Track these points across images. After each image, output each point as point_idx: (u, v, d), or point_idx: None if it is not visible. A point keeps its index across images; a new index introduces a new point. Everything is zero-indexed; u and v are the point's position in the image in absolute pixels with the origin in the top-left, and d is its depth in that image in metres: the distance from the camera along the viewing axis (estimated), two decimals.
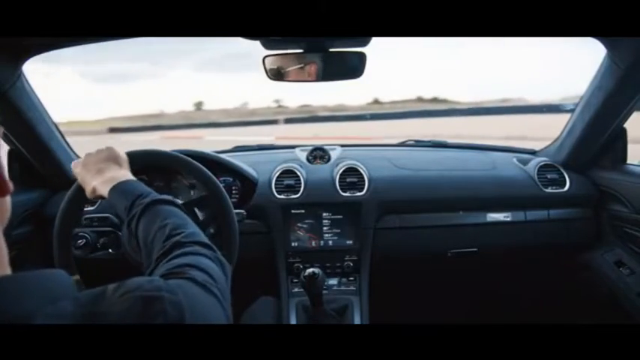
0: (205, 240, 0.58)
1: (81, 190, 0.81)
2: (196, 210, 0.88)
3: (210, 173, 0.88)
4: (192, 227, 0.61)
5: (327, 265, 1.21)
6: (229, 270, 0.56)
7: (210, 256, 0.54)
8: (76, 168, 0.80)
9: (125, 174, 0.75)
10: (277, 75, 1.01)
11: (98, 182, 0.74)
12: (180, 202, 0.69)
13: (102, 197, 0.75)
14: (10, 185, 0.38)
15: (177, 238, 0.56)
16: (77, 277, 0.82)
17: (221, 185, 0.89)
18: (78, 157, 1.30)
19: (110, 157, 0.79)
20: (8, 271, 0.37)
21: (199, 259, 0.52)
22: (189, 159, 0.89)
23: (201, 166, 0.89)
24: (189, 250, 0.54)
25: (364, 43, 0.94)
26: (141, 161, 0.87)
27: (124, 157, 0.81)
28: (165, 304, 0.37)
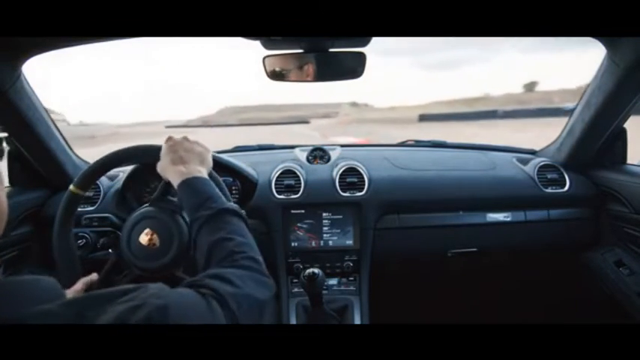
0: (258, 257, 0.61)
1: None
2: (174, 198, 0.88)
3: (148, 146, 0.87)
4: (252, 246, 0.63)
5: (327, 265, 1.21)
6: (272, 288, 0.60)
7: (254, 272, 0.57)
8: (168, 141, 0.80)
9: (202, 171, 0.75)
10: (277, 75, 1.01)
11: (174, 169, 0.74)
12: (244, 213, 0.70)
13: (166, 181, 0.77)
14: None
15: (239, 258, 0.58)
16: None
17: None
18: (78, 157, 1.30)
19: (200, 153, 0.79)
20: None
21: (240, 273, 0.55)
22: (124, 148, 0.89)
23: (136, 146, 0.88)
24: (240, 264, 0.57)
25: (364, 43, 0.94)
26: (91, 180, 0.87)
27: (210, 161, 0.81)
28: (151, 310, 0.38)
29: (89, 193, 1.14)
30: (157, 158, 0.81)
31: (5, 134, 0.42)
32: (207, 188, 0.71)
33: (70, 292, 0.77)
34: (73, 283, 0.80)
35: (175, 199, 0.86)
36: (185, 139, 0.81)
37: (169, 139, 0.81)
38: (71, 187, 0.84)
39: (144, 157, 0.87)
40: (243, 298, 0.51)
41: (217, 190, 0.72)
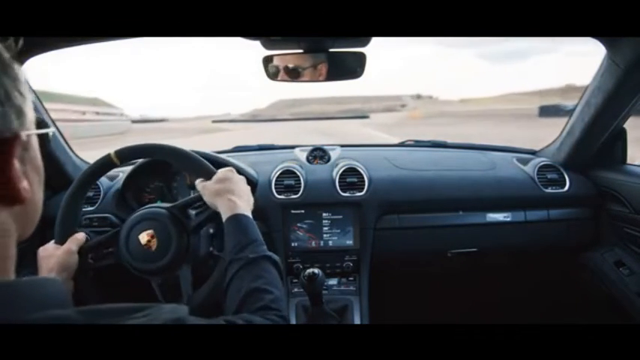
0: (285, 314, 0.63)
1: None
2: (193, 211, 0.87)
3: (206, 163, 0.87)
4: (284, 302, 0.65)
5: (327, 265, 1.21)
6: None
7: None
8: (229, 172, 0.82)
9: (249, 212, 0.77)
10: (278, 75, 1.01)
11: (231, 198, 0.76)
12: (277, 259, 0.71)
13: (214, 208, 0.79)
14: (29, 193, 0.37)
15: (272, 313, 0.60)
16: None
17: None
18: (78, 157, 1.30)
19: (250, 201, 0.82)
20: (12, 275, 0.37)
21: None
22: (180, 148, 0.88)
23: (195, 155, 0.88)
24: (272, 319, 0.59)
25: (364, 43, 0.94)
26: (131, 156, 0.88)
27: (252, 205, 0.83)
28: (165, 322, 0.37)
29: (89, 193, 1.14)
30: (203, 177, 0.83)
31: (53, 129, 0.42)
32: (255, 230, 0.73)
33: (60, 251, 0.79)
34: (64, 241, 0.81)
35: (193, 215, 0.85)
36: (243, 180, 0.83)
37: (231, 170, 0.83)
38: (112, 152, 0.86)
39: (192, 169, 0.87)
40: None
41: (260, 235, 0.73)
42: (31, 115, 0.39)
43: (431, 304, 1.57)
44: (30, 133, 0.39)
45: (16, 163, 0.36)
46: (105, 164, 0.86)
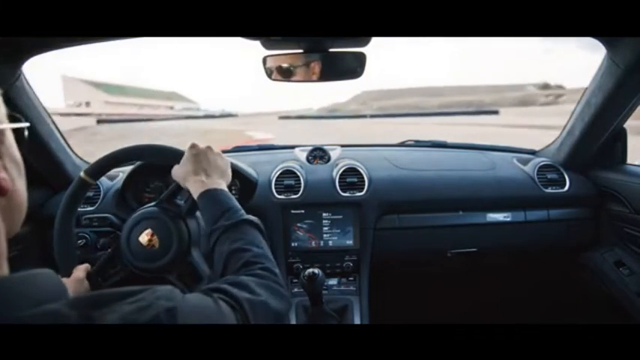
0: (275, 268, 0.62)
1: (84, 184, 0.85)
2: (181, 200, 0.88)
3: (169, 148, 0.87)
4: (269, 257, 0.64)
5: (327, 265, 1.21)
6: (288, 301, 0.60)
7: (270, 282, 0.58)
8: (192, 149, 0.80)
9: (222, 184, 0.77)
10: (277, 75, 1.01)
11: (195, 178, 0.76)
12: (257, 220, 0.71)
13: (179, 185, 0.80)
14: (10, 184, 0.37)
15: (255, 268, 0.60)
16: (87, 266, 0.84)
17: None
18: (78, 157, 1.30)
19: (221, 166, 0.80)
20: (6, 272, 0.37)
21: (257, 281, 0.56)
22: (141, 144, 0.88)
23: (158, 145, 0.87)
24: (256, 273, 0.59)
25: (364, 43, 0.94)
26: (101, 170, 0.87)
27: (229, 175, 0.82)
28: (159, 312, 0.37)
29: (89, 193, 1.14)
30: (174, 162, 0.81)
31: (27, 124, 0.42)
32: (227, 200, 0.72)
33: (69, 281, 0.79)
34: (70, 272, 0.81)
35: (182, 203, 0.86)
36: (209, 149, 0.81)
37: (193, 147, 0.81)
38: (82, 173, 0.85)
39: (161, 158, 0.86)
40: (258, 306, 0.51)
41: (237, 202, 0.73)
42: (2, 109, 0.39)
43: (431, 304, 1.57)
44: (4, 127, 0.39)
45: None
46: (80, 187, 0.85)
